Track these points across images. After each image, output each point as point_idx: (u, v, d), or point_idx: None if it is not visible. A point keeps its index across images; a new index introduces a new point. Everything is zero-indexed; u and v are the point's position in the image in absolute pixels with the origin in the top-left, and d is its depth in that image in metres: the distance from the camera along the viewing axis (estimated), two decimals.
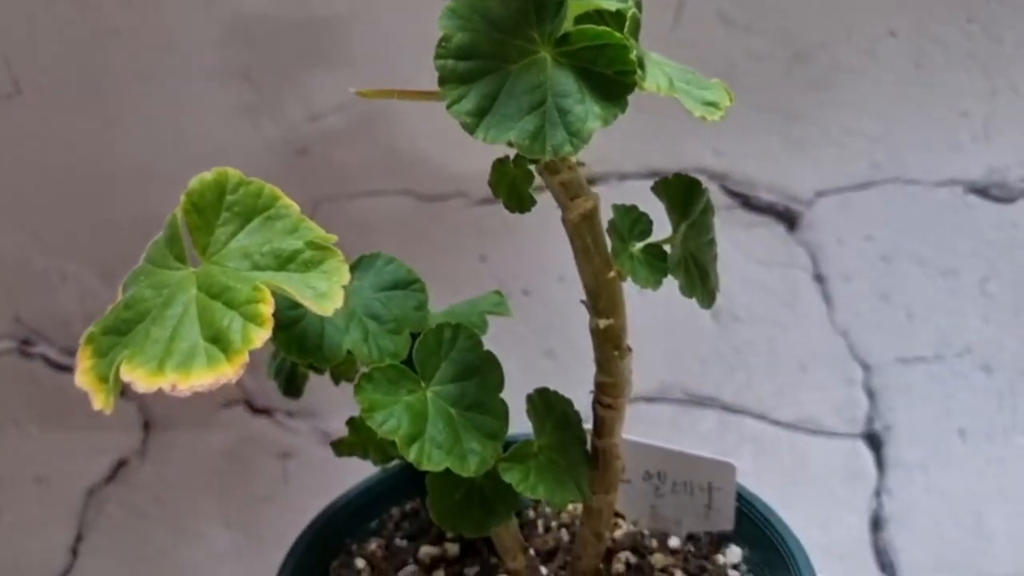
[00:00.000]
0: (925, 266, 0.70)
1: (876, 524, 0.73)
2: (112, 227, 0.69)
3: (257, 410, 0.73)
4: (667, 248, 0.39)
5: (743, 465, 0.51)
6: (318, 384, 0.73)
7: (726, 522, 0.49)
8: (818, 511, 0.73)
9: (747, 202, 0.69)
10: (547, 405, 0.43)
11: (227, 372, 0.32)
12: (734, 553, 0.49)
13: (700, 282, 0.39)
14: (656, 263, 0.38)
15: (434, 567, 0.50)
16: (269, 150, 0.68)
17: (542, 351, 0.72)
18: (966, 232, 0.69)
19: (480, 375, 0.40)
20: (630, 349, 0.41)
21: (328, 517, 0.50)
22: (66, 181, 0.68)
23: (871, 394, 0.72)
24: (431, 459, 0.38)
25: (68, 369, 0.72)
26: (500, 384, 0.41)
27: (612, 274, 0.38)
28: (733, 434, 0.72)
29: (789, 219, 0.70)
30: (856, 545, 0.73)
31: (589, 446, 0.43)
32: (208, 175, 0.36)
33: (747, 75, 0.66)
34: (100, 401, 0.34)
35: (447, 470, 0.41)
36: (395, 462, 0.53)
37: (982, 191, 0.69)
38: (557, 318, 0.72)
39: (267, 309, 0.32)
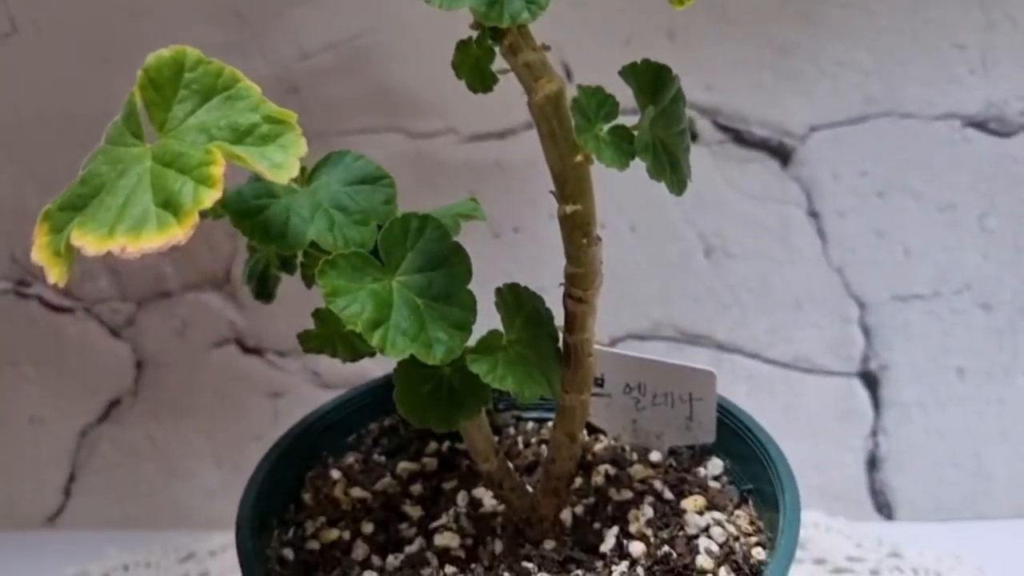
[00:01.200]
0: (922, 201, 0.69)
1: (872, 464, 0.72)
2: None
3: (248, 350, 0.73)
4: (636, 133, 0.38)
5: (737, 404, 0.50)
6: (307, 324, 0.73)
7: (708, 434, 0.48)
8: (813, 451, 0.72)
9: (739, 137, 0.69)
10: (517, 301, 0.42)
11: (177, 234, 0.31)
12: (715, 465, 0.48)
13: (670, 168, 0.38)
14: (622, 144, 0.37)
15: (411, 481, 0.50)
16: (261, 88, 0.68)
17: (533, 288, 0.72)
18: (964, 167, 0.68)
19: (448, 266, 0.40)
20: (599, 238, 0.40)
21: (305, 428, 0.50)
22: (62, 120, 0.68)
23: (867, 332, 0.71)
24: (395, 345, 0.38)
25: (64, 310, 0.72)
26: (468, 275, 0.40)
27: (579, 158, 0.38)
28: (726, 372, 0.71)
29: (782, 154, 0.69)
30: (852, 486, 0.72)
31: (561, 344, 0.42)
32: (166, 52, 0.35)
33: (739, 8, 0.65)
34: (55, 275, 0.34)
35: (415, 363, 0.41)
36: (370, 380, 0.53)
37: (980, 125, 0.68)
38: (547, 255, 0.71)
39: (218, 170, 0.32)
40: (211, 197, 0.32)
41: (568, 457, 0.44)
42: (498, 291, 0.42)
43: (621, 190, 0.69)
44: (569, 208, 0.39)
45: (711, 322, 0.71)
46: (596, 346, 0.50)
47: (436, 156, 0.70)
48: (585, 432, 0.51)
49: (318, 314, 0.41)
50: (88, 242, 0.32)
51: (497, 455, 0.44)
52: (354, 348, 0.42)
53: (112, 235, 0.32)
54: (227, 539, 0.70)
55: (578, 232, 0.39)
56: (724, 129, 0.68)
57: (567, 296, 0.41)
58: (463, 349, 0.39)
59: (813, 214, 0.69)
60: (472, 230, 0.66)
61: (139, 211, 0.32)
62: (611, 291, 0.72)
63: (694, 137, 0.69)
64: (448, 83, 0.69)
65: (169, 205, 0.32)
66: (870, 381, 0.71)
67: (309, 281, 0.43)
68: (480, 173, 0.70)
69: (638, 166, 0.68)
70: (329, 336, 0.42)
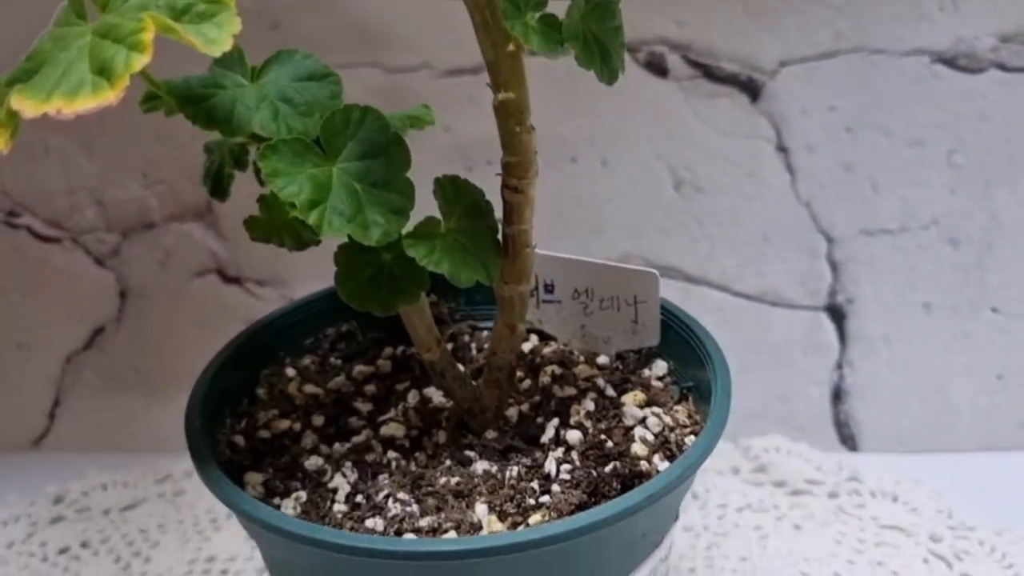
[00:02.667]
0: (890, 137, 0.70)
1: (837, 397, 0.73)
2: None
3: (229, 279, 0.75)
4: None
5: (680, 307, 0.51)
6: (286, 254, 0.74)
7: (652, 337, 0.49)
8: (779, 383, 0.73)
9: (709, 72, 0.70)
10: (457, 192, 0.43)
11: (109, 97, 0.33)
12: (660, 367, 0.49)
13: (601, 59, 0.39)
14: (550, 32, 0.38)
15: (365, 382, 0.51)
16: (243, 22, 0.69)
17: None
18: (933, 103, 0.69)
19: (387, 155, 0.41)
20: (533, 128, 0.41)
21: (262, 327, 0.51)
22: None
23: (834, 266, 0.72)
24: (331, 225, 0.39)
25: (52, 240, 0.74)
26: (407, 164, 0.41)
27: (511, 47, 0.39)
28: (695, 304, 0.72)
29: (752, 89, 0.69)
30: (817, 417, 0.73)
31: (500, 236, 0.44)
32: None
33: None
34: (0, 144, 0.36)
35: (356, 249, 0.43)
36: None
37: (949, 61, 0.68)
38: None
39: (148, 36, 0.33)
40: (141, 62, 0.33)
41: (509, 349, 0.45)
42: (437, 181, 0.43)
43: (592, 125, 0.70)
44: (502, 96, 0.40)
45: (680, 254, 0.72)
46: (546, 252, 0.51)
47: (412, 90, 0.71)
48: (536, 337, 0.53)
49: (263, 200, 0.43)
50: (26, 106, 0.34)
51: (439, 345, 0.45)
52: (299, 237, 0.43)
53: (49, 99, 0.34)
54: None
55: (512, 120, 0.40)
56: (694, 64, 0.69)
57: (504, 186, 0.42)
58: (400, 233, 0.41)
59: (782, 149, 0.70)
60: (446, 164, 0.68)
61: (76, 78, 0.34)
62: (582, 223, 0.73)
63: (664, 72, 0.70)
64: (424, 19, 0.71)
65: (103, 71, 0.33)
66: (837, 314, 0.72)
67: (262, 180, 0.45)
68: (455, 107, 0.71)
69: (610, 100, 0.70)
70: (275, 224, 0.43)
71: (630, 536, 0.40)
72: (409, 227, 0.42)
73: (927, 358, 0.72)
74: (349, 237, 0.43)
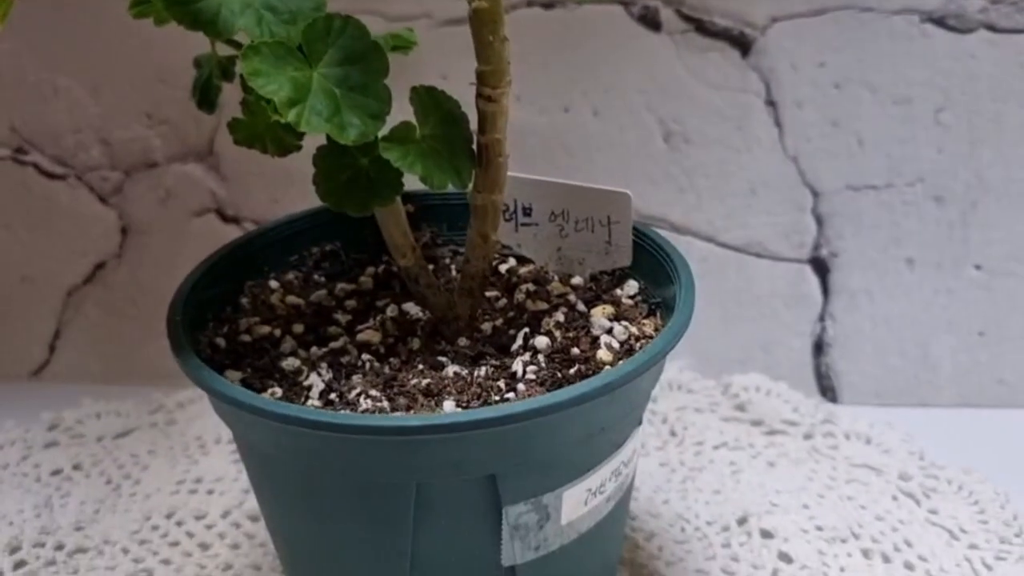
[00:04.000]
0: (878, 94, 0.71)
1: (819, 348, 0.74)
2: (100, 43, 0.73)
3: (227, 219, 0.76)
4: None
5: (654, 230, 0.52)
6: (282, 196, 0.76)
7: (625, 257, 0.51)
8: (762, 333, 0.74)
9: (701, 27, 0.71)
10: (433, 101, 0.45)
11: None
12: (631, 286, 0.51)
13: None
14: None
15: (346, 298, 0.53)
16: None
17: None
18: (921, 61, 0.70)
19: (365, 61, 0.43)
20: (507, 38, 0.43)
21: (247, 241, 0.53)
22: None
23: (819, 220, 0.73)
24: (309, 123, 0.41)
25: (58, 177, 0.76)
26: (384, 71, 0.43)
27: None
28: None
29: (743, 44, 0.71)
30: (798, 368, 0.74)
31: (475, 147, 0.45)
32: None
33: None
34: None
35: (334, 152, 0.44)
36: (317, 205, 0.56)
37: (939, 21, 0.69)
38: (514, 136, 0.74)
39: None
40: None
41: (481, 257, 0.47)
42: (414, 89, 0.45)
43: (585, 76, 0.72)
44: (476, 4, 0.41)
45: (668, 205, 0.74)
46: (523, 175, 0.53)
47: None
48: (514, 260, 0.54)
49: (246, 104, 0.44)
50: None
51: (414, 252, 0.47)
52: (281, 142, 0.45)
53: None
54: (195, 394, 0.74)
55: (486, 29, 0.42)
56: (687, 19, 0.71)
57: (478, 96, 0.44)
58: (376, 136, 0.42)
59: (771, 103, 0.71)
60: None
61: None
62: (573, 171, 0.75)
63: (657, 26, 0.71)
64: None
65: None
66: (821, 268, 0.73)
67: (247, 90, 0.46)
68: (453, 56, 0.72)
69: (603, 53, 0.71)
70: (257, 129, 0.45)
71: (587, 429, 0.42)
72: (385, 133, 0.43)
73: (909, 313, 0.73)
74: (328, 140, 0.44)
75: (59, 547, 0.60)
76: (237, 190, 0.76)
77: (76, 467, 0.67)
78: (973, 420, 0.71)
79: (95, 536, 0.61)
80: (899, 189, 0.72)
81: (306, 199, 0.56)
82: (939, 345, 0.73)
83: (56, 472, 0.67)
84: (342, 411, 0.43)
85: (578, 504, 0.43)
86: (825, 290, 0.74)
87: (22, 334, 0.79)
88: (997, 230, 0.72)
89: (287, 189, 0.75)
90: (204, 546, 0.60)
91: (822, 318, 0.74)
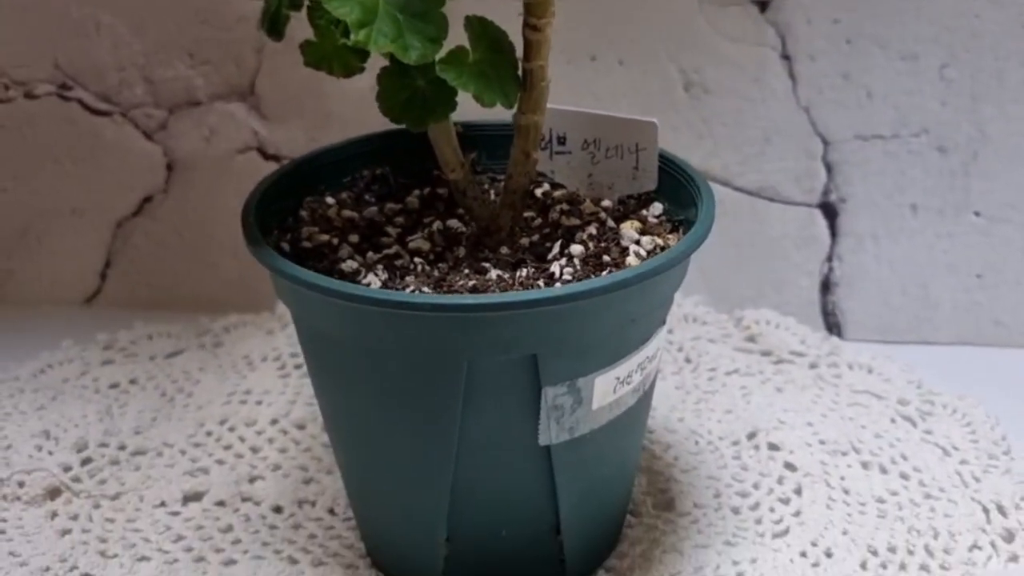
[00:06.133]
0: (887, 50, 0.75)
1: (826, 287, 0.79)
2: None
3: (268, 156, 0.81)
4: None
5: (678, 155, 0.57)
6: (320, 136, 0.80)
7: (651, 182, 0.55)
8: (773, 272, 0.79)
9: None
10: (484, 29, 0.49)
11: None
12: (656, 208, 0.55)
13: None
14: None
15: (396, 216, 0.57)
16: None
17: None
18: (928, 19, 0.74)
19: None
20: None
21: (305, 161, 0.58)
22: None
23: (829, 167, 0.77)
24: (376, 43, 0.46)
25: (102, 113, 0.81)
26: (442, 1, 0.48)
27: None
28: None
29: (761, 1, 0.75)
30: (806, 305, 0.79)
31: (520, 72, 0.50)
32: None
33: None
34: None
35: (395, 74, 0.49)
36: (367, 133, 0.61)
37: None
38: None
39: None
40: None
41: (523, 173, 0.51)
42: (467, 19, 0.49)
43: (612, 28, 0.76)
44: None
45: (687, 150, 0.78)
46: (560, 106, 0.57)
47: None
48: (548, 185, 0.59)
49: (317, 27, 0.49)
50: None
51: (463, 167, 0.52)
52: (347, 63, 0.49)
53: None
54: (241, 319, 0.78)
55: None
56: None
57: (525, 26, 0.49)
58: (434, 59, 0.47)
59: (786, 57, 0.76)
60: None
61: None
62: None
63: None
64: None
65: None
66: (829, 212, 0.78)
67: (315, 17, 0.51)
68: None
69: (630, 6, 0.75)
70: (326, 51, 0.49)
71: (619, 319, 0.46)
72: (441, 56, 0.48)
73: (911, 255, 0.78)
74: (390, 62, 0.49)
75: (121, 447, 0.65)
76: (277, 129, 0.80)
77: (132, 382, 0.72)
78: (970, 357, 0.76)
79: (154, 439, 0.66)
80: (904, 139, 0.76)
81: (342, 139, 0.61)
82: (939, 286, 0.78)
83: (114, 386, 0.71)
84: None
85: (607, 391, 0.48)
86: (833, 233, 0.78)
87: (74, 263, 0.83)
88: (996, 179, 0.76)
89: (326, 129, 0.80)
90: (255, 449, 0.65)
91: (830, 259, 0.79)
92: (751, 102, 0.77)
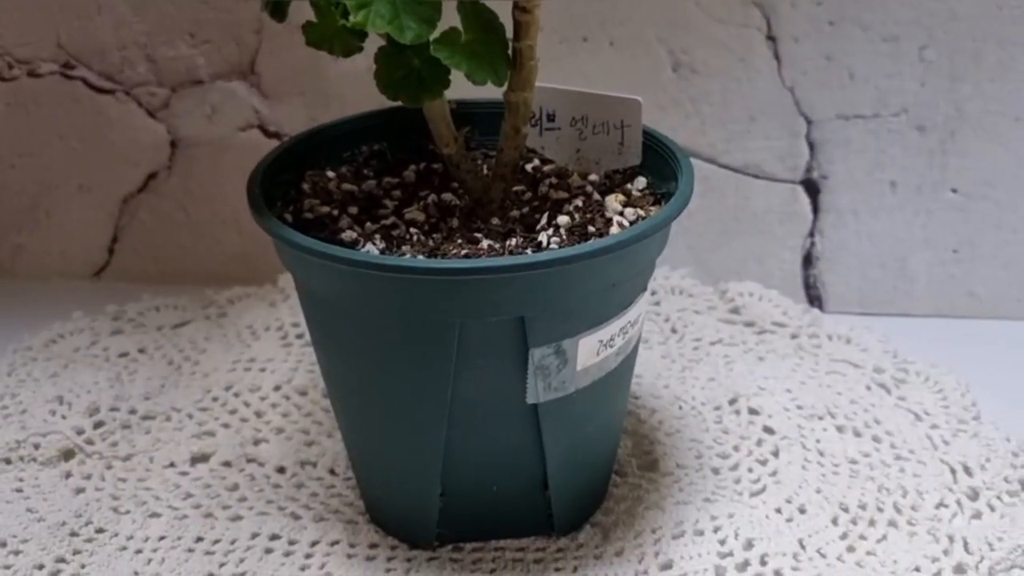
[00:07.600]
0: (868, 32, 0.77)
1: (807, 261, 0.82)
2: None
3: (269, 134, 0.83)
4: None
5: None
6: (320, 115, 0.83)
7: (635, 157, 0.58)
8: (756, 246, 0.82)
9: None
10: (476, 12, 0.52)
11: None
12: (640, 182, 0.58)
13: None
14: None
15: (393, 189, 0.60)
16: None
17: None
18: (908, 2, 0.76)
19: None
20: None
21: (306, 136, 0.60)
22: None
23: (812, 145, 0.80)
24: (374, 23, 0.48)
25: (105, 91, 0.83)
26: None
27: None
28: None
29: None
30: (788, 278, 0.82)
31: (511, 52, 0.53)
32: None
33: None
34: None
35: (391, 53, 0.52)
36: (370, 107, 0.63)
37: None
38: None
39: None
40: None
41: (513, 147, 0.54)
42: (460, 1, 0.52)
43: (602, 8, 0.79)
44: None
45: (674, 129, 0.81)
46: (549, 84, 0.60)
47: None
48: (538, 161, 0.62)
49: (317, 8, 0.52)
50: None
51: (457, 141, 0.55)
52: (346, 43, 0.52)
53: None
54: (244, 291, 0.81)
55: None
56: None
57: (515, 7, 0.51)
58: (428, 39, 0.50)
59: (771, 38, 0.78)
60: None
61: None
62: None
63: None
64: None
65: None
66: (812, 188, 0.81)
67: (314, 6, 0.53)
68: None
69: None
70: (327, 32, 0.52)
71: (603, 282, 0.49)
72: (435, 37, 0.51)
73: (890, 231, 0.81)
74: (387, 42, 0.52)
75: (132, 412, 0.68)
76: (278, 108, 0.83)
77: (141, 351, 0.75)
78: (945, 328, 0.79)
79: (163, 404, 0.69)
80: (885, 119, 0.79)
81: (341, 116, 0.63)
82: (917, 260, 0.81)
83: (123, 355, 0.74)
84: None
85: (591, 353, 0.51)
86: (815, 209, 0.81)
87: (82, 238, 0.86)
88: (972, 158, 0.79)
89: (325, 108, 0.82)
90: (259, 414, 0.68)
91: (811, 234, 0.81)
92: (737, 82, 0.79)
